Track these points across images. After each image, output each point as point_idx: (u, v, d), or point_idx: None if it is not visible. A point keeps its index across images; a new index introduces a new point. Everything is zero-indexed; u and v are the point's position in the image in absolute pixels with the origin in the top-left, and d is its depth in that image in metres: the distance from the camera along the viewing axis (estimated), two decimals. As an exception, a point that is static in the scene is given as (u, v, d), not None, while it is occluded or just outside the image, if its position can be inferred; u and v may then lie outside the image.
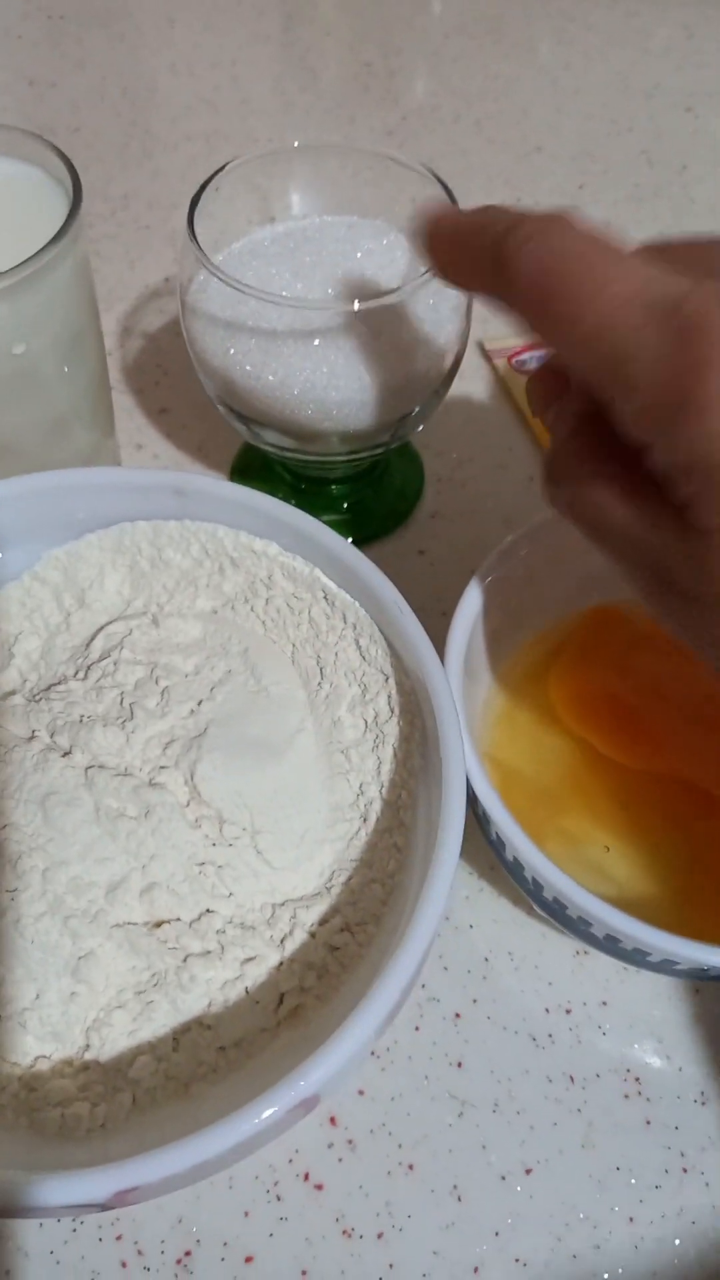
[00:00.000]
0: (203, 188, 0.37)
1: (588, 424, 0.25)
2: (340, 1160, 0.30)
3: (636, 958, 0.29)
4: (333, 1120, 0.31)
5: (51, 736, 0.31)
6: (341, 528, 0.43)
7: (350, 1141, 0.30)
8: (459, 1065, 0.32)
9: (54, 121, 0.63)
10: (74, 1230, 0.29)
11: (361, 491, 0.44)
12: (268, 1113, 0.22)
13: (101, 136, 0.62)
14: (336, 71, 0.67)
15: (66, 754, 0.30)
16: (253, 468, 0.46)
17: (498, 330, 0.52)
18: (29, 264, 0.31)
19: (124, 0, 0.73)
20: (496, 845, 0.31)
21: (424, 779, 0.30)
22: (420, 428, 0.39)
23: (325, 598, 0.33)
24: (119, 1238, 0.29)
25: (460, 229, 0.26)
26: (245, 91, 0.66)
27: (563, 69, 0.69)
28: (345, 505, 0.44)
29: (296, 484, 0.44)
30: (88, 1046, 0.28)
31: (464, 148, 0.62)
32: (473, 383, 0.49)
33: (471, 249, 0.26)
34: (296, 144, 0.39)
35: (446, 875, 0.26)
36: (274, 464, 0.44)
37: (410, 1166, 0.30)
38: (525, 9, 0.74)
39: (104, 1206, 0.22)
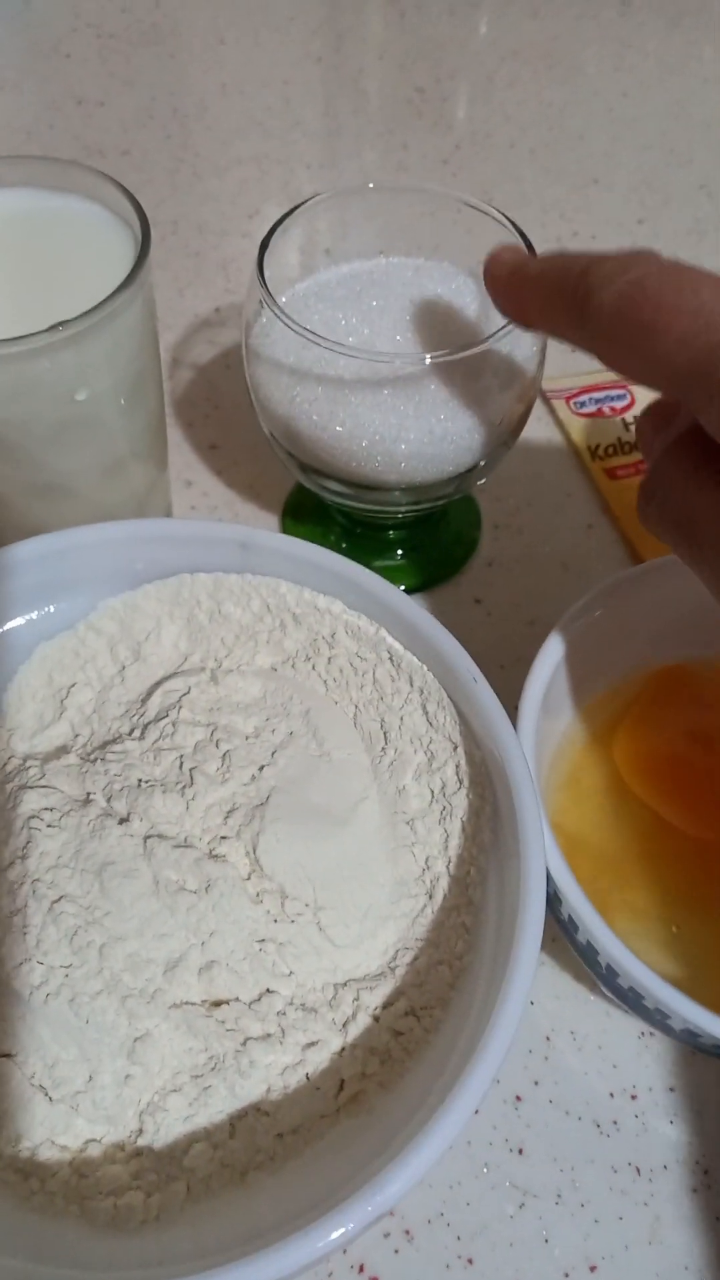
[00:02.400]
0: (273, 229, 0.36)
1: (681, 444, 0.26)
2: (397, 1251, 0.29)
3: (713, 1050, 0.28)
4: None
5: (108, 801, 0.30)
6: (396, 574, 0.42)
7: (407, 1232, 0.29)
8: (520, 1152, 0.30)
9: (103, 142, 0.62)
10: (120, 1319, 0.28)
11: (418, 538, 0.43)
12: (346, 1229, 0.21)
13: (151, 158, 0.62)
14: (388, 95, 0.66)
15: (124, 821, 0.29)
16: (305, 509, 0.45)
17: (557, 370, 0.51)
18: (98, 310, 0.30)
19: (174, 18, 0.73)
20: (567, 925, 0.29)
21: (495, 855, 0.29)
22: (485, 479, 0.38)
23: (390, 659, 0.32)
24: (167, 1328, 0.28)
25: (537, 271, 0.28)
26: (297, 113, 0.65)
27: (620, 97, 0.68)
28: (400, 552, 0.43)
29: (351, 528, 0.43)
30: (141, 1131, 0.27)
31: (518, 176, 0.61)
32: (531, 425, 0.48)
33: (549, 288, 0.27)
34: (371, 185, 0.38)
35: (528, 968, 0.25)
36: (329, 507, 0.43)
37: (469, 1260, 0.29)
38: (580, 35, 0.73)
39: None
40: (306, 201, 0.37)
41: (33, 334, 0.29)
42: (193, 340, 0.51)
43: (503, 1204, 0.30)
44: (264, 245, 0.35)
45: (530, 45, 0.71)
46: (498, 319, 0.35)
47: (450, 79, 0.68)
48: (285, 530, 0.44)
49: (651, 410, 0.29)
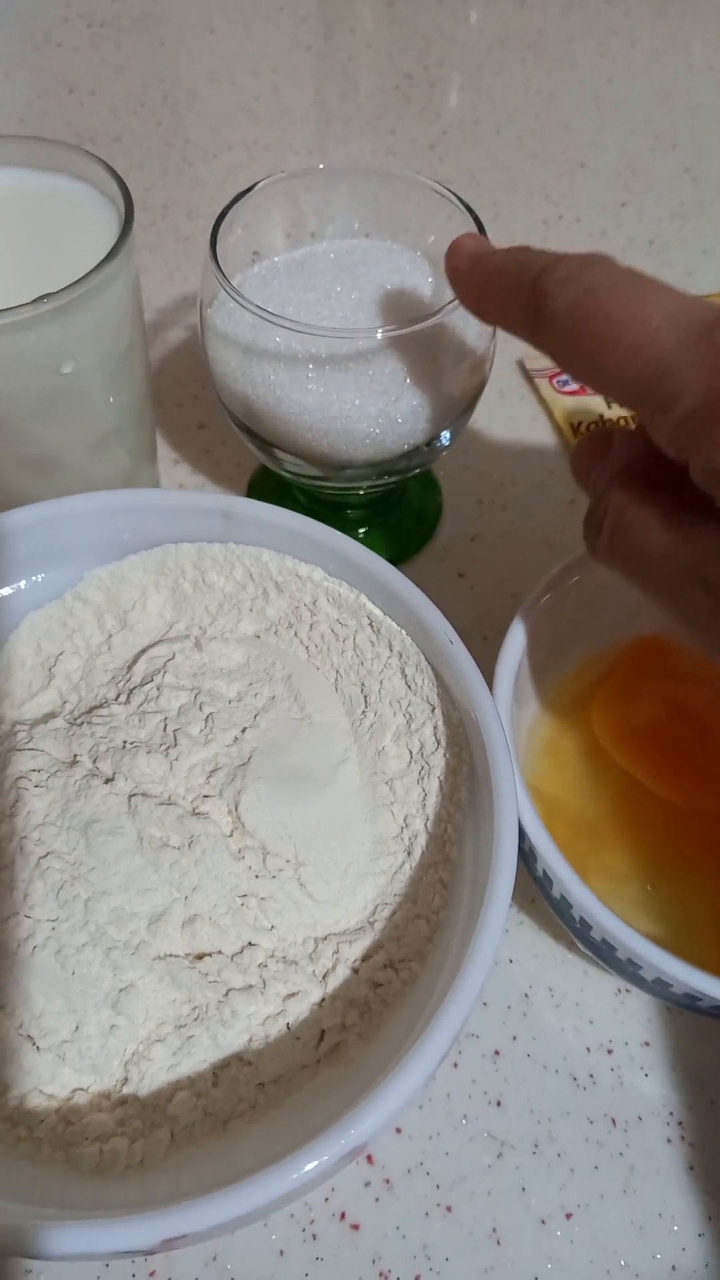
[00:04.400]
0: (227, 208, 0.36)
1: (628, 473, 0.26)
2: (377, 1200, 0.30)
3: (685, 1001, 0.29)
4: (369, 1159, 0.30)
5: (94, 762, 0.30)
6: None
7: (387, 1181, 0.30)
8: (498, 1104, 0.31)
9: (94, 129, 0.63)
10: (106, 1266, 0.29)
11: (379, 516, 0.44)
12: (319, 1161, 0.22)
13: (142, 144, 0.62)
14: (378, 82, 0.67)
15: (109, 780, 0.30)
16: (267, 488, 0.45)
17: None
18: (81, 283, 0.31)
19: (164, 6, 0.73)
20: (542, 881, 0.30)
21: (471, 813, 0.29)
22: (444, 453, 0.38)
23: (370, 625, 0.33)
24: (152, 1274, 0.29)
25: (495, 267, 0.28)
26: (286, 100, 0.66)
27: (605, 83, 0.68)
28: (362, 530, 0.43)
29: (312, 507, 0.44)
30: (126, 1080, 0.27)
31: (505, 162, 0.61)
32: (514, 403, 0.49)
33: (505, 286, 0.27)
34: (322, 165, 0.39)
35: (498, 920, 0.25)
36: (290, 486, 0.44)
37: (448, 1208, 0.29)
38: (567, 23, 0.73)
39: (149, 1252, 0.22)
40: (260, 183, 0.37)
41: (18, 306, 0.30)
42: (182, 322, 0.52)
43: (481, 1155, 0.30)
44: (217, 225, 0.36)
45: (518, 34, 0.72)
46: (450, 295, 0.36)
47: (439, 66, 0.69)
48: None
49: (587, 442, 0.29)
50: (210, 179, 0.60)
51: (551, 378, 0.49)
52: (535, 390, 0.49)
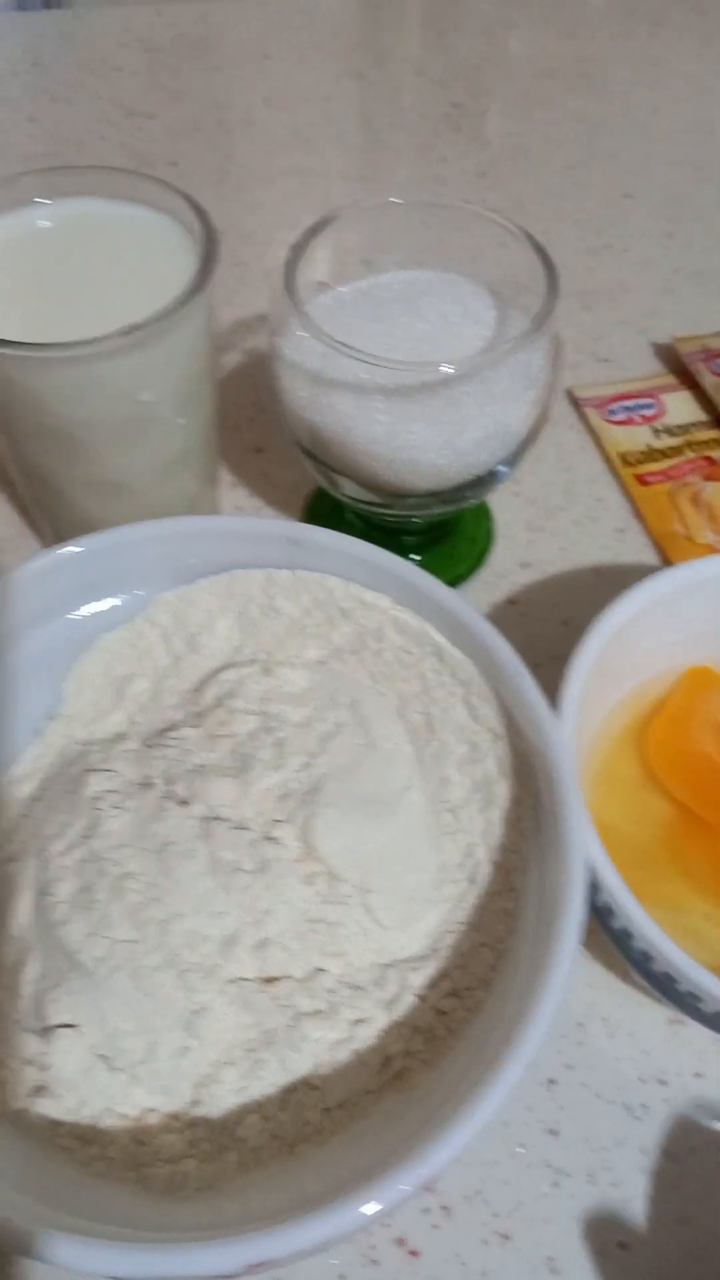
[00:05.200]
0: (304, 240, 0.37)
1: None
2: (435, 1226, 0.30)
3: (745, 1036, 0.29)
4: (428, 1183, 0.30)
5: (168, 785, 0.31)
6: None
7: (445, 1208, 0.30)
8: (553, 1133, 0.31)
9: (152, 153, 0.64)
10: (170, 1281, 0.29)
11: (432, 541, 0.44)
12: (400, 1189, 0.22)
13: (197, 169, 0.63)
14: (427, 110, 0.68)
15: (184, 803, 0.30)
16: (323, 512, 0.46)
17: (589, 378, 0.52)
18: (166, 314, 0.31)
19: (219, 33, 0.74)
20: (602, 912, 0.31)
21: (535, 843, 0.30)
22: (503, 483, 0.39)
23: (436, 653, 0.33)
24: (214, 1291, 0.29)
25: None
26: (338, 127, 0.67)
27: (651, 114, 0.69)
28: (416, 557, 0.44)
29: (368, 532, 0.44)
30: (196, 1102, 0.28)
31: (553, 191, 0.62)
32: (564, 432, 0.49)
33: None
34: (394, 199, 0.39)
35: (569, 951, 0.26)
36: (346, 511, 0.44)
37: (506, 1236, 0.30)
38: (613, 54, 0.74)
39: (232, 1277, 0.22)
40: (337, 214, 0.38)
41: (104, 336, 0.31)
42: (239, 347, 0.53)
43: (537, 1182, 0.31)
44: (292, 254, 0.36)
45: (564, 64, 0.73)
46: (513, 327, 0.37)
47: (487, 95, 0.70)
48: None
49: None
50: (266, 204, 0.61)
51: (600, 407, 0.50)
52: (584, 419, 0.50)
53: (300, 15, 0.76)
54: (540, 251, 0.36)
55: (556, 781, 0.28)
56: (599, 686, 0.36)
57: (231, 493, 0.47)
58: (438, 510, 0.39)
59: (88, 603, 0.35)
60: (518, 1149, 0.31)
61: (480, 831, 0.31)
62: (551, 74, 0.71)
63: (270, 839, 0.30)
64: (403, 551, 0.44)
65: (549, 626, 0.42)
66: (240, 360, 0.52)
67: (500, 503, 0.47)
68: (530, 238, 0.36)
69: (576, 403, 0.51)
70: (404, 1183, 0.22)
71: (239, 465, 0.48)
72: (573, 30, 0.75)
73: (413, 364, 0.33)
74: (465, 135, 0.66)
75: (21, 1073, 0.28)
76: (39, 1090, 0.28)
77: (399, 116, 0.68)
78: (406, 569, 0.33)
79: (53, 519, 0.41)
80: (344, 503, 0.40)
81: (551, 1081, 0.32)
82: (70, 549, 0.33)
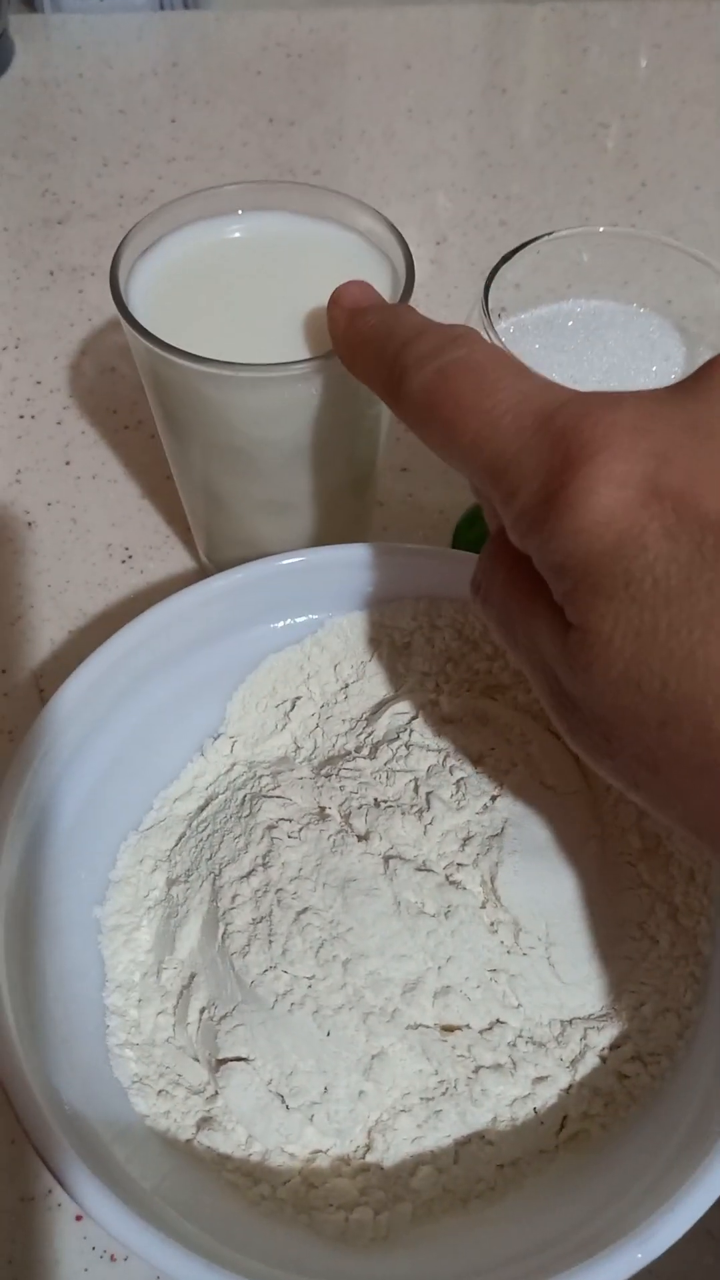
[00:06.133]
0: (501, 262, 0.36)
1: (499, 540, 0.24)
2: (598, 1293, 0.29)
3: None
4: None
5: (346, 818, 0.30)
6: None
7: None
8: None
9: (294, 160, 0.64)
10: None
11: None
12: (626, 1270, 0.21)
13: (339, 180, 0.63)
14: (573, 130, 0.67)
15: (363, 838, 0.30)
16: (473, 537, 0.45)
17: None
18: (369, 340, 0.31)
19: (360, 41, 0.74)
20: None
21: (730, 910, 0.29)
22: None
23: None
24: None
25: (366, 330, 0.27)
26: (481, 143, 0.66)
27: None
28: None
29: None
30: (369, 1148, 0.27)
31: (704, 219, 0.61)
32: None
33: (372, 354, 0.27)
34: (602, 229, 0.38)
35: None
36: None
37: (671, 1311, 0.29)
38: (763, 77, 0.72)
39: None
40: (533, 240, 0.37)
41: (305, 360, 0.30)
42: (384, 363, 0.52)
43: (700, 1253, 0.29)
44: (490, 276, 0.35)
45: (712, 89, 0.71)
46: (700, 363, 0.35)
47: (634, 117, 0.68)
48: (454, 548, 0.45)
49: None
50: (408, 219, 0.60)
51: None
52: None
53: (441, 26, 0.76)
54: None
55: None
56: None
57: (378, 512, 0.46)
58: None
59: (260, 623, 0.34)
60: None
61: (664, 888, 0.30)
62: (700, 97, 0.70)
63: (454, 882, 0.29)
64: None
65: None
66: (387, 377, 0.51)
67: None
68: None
69: None
70: (630, 1260, 0.22)
71: (385, 485, 0.47)
72: (719, 53, 0.74)
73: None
74: (612, 157, 0.65)
75: (188, 1102, 0.28)
76: (207, 1122, 0.28)
77: (544, 135, 0.67)
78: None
79: (210, 532, 0.40)
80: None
81: (715, 1151, 0.31)
82: (252, 571, 0.33)
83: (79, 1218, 0.30)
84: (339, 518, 0.39)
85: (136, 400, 0.49)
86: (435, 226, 0.60)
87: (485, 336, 0.34)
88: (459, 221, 0.60)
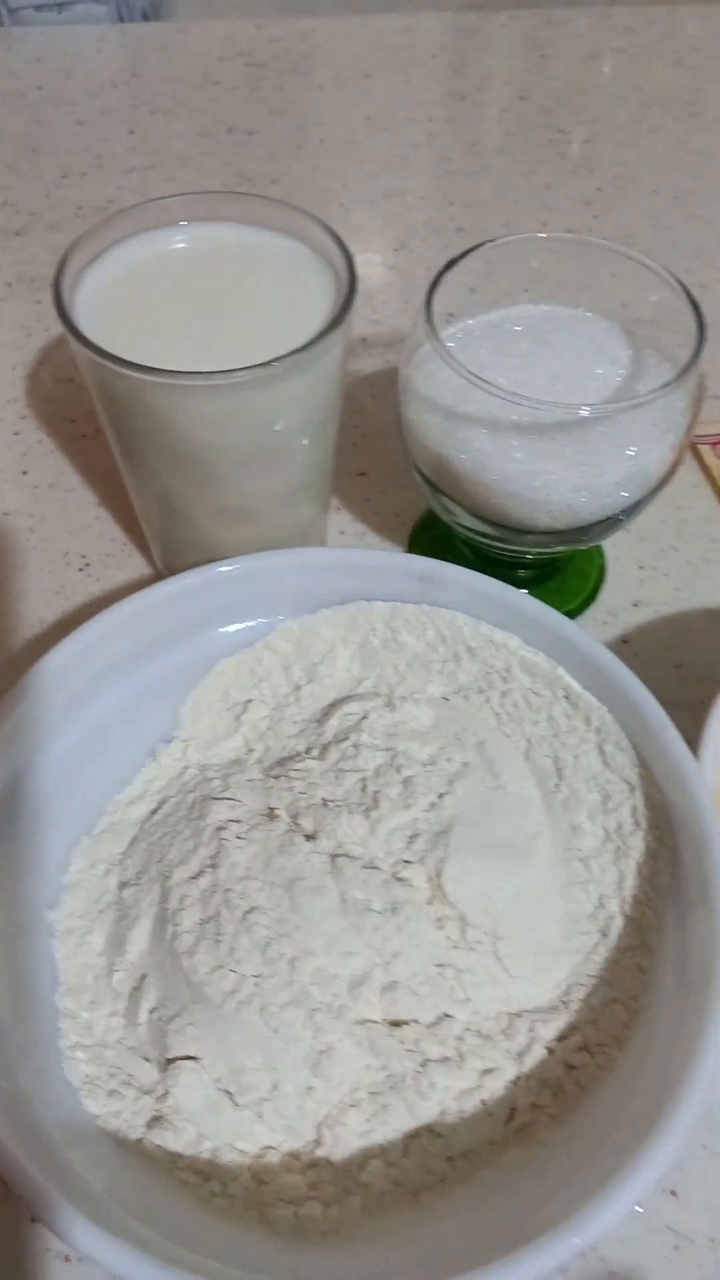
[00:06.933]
0: (446, 268, 0.36)
1: None
2: (551, 1284, 0.29)
3: None
4: (543, 1240, 0.30)
5: (294, 818, 0.31)
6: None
7: (560, 1265, 0.29)
8: (673, 1194, 0.31)
9: (253, 170, 0.64)
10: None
11: (544, 577, 0.44)
12: (564, 1254, 0.22)
13: (299, 189, 0.63)
14: (532, 136, 0.68)
15: (310, 838, 0.30)
16: (428, 540, 0.45)
17: (703, 415, 0.51)
18: (311, 346, 0.31)
19: (321, 51, 0.75)
20: (736, 974, 0.30)
21: (674, 901, 0.29)
22: (629, 526, 0.38)
23: (567, 697, 0.33)
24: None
25: None
26: (441, 150, 0.67)
27: (759, 145, 0.68)
28: (526, 590, 0.43)
29: (479, 564, 0.44)
30: (318, 1143, 0.27)
31: (664, 222, 0.61)
32: (679, 470, 0.48)
33: None
34: (544, 234, 0.39)
35: (721, 1018, 0.25)
36: (456, 541, 0.44)
37: (623, 1299, 0.29)
38: (720, 81, 0.73)
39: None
40: (479, 246, 0.37)
41: (249, 367, 0.31)
42: (343, 368, 0.52)
43: (658, 1245, 0.30)
44: (434, 284, 0.36)
45: (672, 93, 0.72)
46: (652, 374, 0.36)
47: (592, 122, 0.69)
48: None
49: None
50: (368, 226, 0.61)
51: (715, 444, 0.49)
52: (699, 457, 0.49)
53: (402, 35, 0.76)
54: (687, 294, 0.35)
55: (703, 841, 0.28)
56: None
57: (335, 516, 0.46)
58: (556, 548, 0.38)
59: (210, 628, 0.35)
60: (636, 1208, 0.30)
61: (613, 883, 0.30)
62: (659, 101, 0.71)
63: (400, 880, 0.29)
64: (513, 585, 0.43)
65: (663, 669, 0.42)
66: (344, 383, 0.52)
67: (611, 540, 0.46)
68: (678, 280, 0.35)
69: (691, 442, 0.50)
70: (567, 1245, 0.22)
71: (342, 489, 0.47)
72: (680, 58, 0.75)
73: (557, 404, 0.33)
74: (571, 162, 0.66)
75: (139, 1102, 0.28)
76: (156, 1121, 0.28)
77: (503, 141, 0.68)
78: (541, 610, 0.33)
79: (165, 540, 0.41)
80: (457, 533, 0.39)
81: (667, 1141, 0.32)
82: (201, 576, 0.33)
83: (33, 1220, 0.30)
84: (294, 522, 0.39)
85: (94, 410, 0.49)
86: (394, 233, 0.61)
87: (427, 343, 0.35)
88: (418, 228, 0.61)
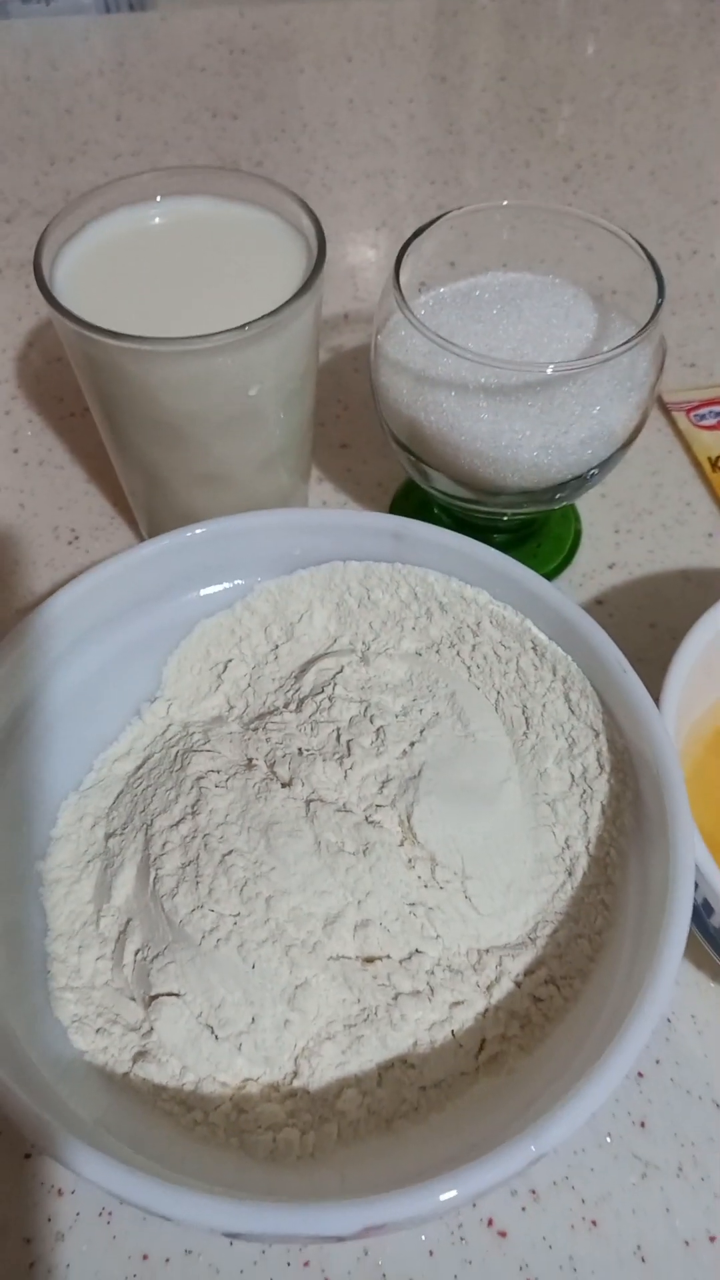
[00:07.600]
0: (410, 241, 0.37)
1: None
2: (524, 1209, 0.30)
3: None
4: (517, 1168, 0.31)
5: (271, 767, 0.32)
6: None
7: (534, 1192, 0.31)
8: (642, 1125, 0.32)
9: (236, 153, 0.65)
10: (263, 1252, 0.30)
11: (520, 540, 0.45)
12: (521, 1161, 0.23)
13: (282, 170, 0.64)
14: (511, 115, 0.68)
15: (286, 785, 0.31)
16: (410, 507, 0.46)
17: (676, 383, 0.52)
18: (279, 312, 0.32)
19: (303, 35, 0.75)
20: (701, 910, 0.31)
21: (636, 839, 0.30)
22: (598, 484, 0.39)
23: (534, 648, 0.34)
24: (306, 1264, 0.30)
25: None
26: (421, 130, 0.67)
27: (736, 120, 0.69)
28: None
29: (457, 528, 0.45)
30: (296, 1074, 0.28)
31: (638, 197, 0.62)
32: (651, 435, 0.50)
33: None
34: (506, 203, 0.40)
35: (678, 949, 0.26)
36: (434, 506, 0.45)
37: (593, 1223, 0.30)
38: (697, 60, 0.74)
39: (346, 1239, 0.23)
40: (443, 215, 0.38)
41: (221, 331, 0.32)
42: (324, 344, 0.53)
43: (625, 1174, 0.31)
44: (401, 253, 0.37)
45: (647, 70, 0.73)
46: (617, 333, 0.37)
47: (570, 101, 0.70)
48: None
49: None
50: (349, 205, 0.62)
51: (689, 411, 0.50)
52: (673, 424, 0.50)
53: (382, 18, 0.77)
54: (648, 256, 0.36)
55: (663, 781, 0.29)
56: (694, 689, 0.36)
57: (318, 487, 0.47)
58: (529, 509, 0.39)
59: (192, 590, 0.36)
60: (605, 1139, 0.31)
61: (578, 825, 0.31)
62: (635, 79, 0.71)
63: (372, 823, 0.30)
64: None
65: (637, 629, 0.43)
66: (326, 358, 0.53)
67: (587, 504, 0.47)
68: (638, 244, 0.36)
69: (665, 407, 0.51)
70: (524, 1152, 0.23)
71: (325, 460, 0.48)
72: (655, 36, 0.76)
73: (522, 364, 0.34)
74: (549, 140, 0.67)
75: (124, 1039, 0.29)
76: (142, 1055, 0.29)
77: (483, 121, 0.68)
78: (508, 564, 0.34)
79: (149, 510, 0.42)
80: (434, 498, 0.40)
81: (640, 1074, 0.33)
82: (182, 536, 0.34)
83: (28, 1156, 0.31)
84: (273, 490, 0.41)
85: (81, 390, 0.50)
86: (375, 212, 0.62)
87: (398, 309, 0.36)
88: (398, 206, 0.62)
